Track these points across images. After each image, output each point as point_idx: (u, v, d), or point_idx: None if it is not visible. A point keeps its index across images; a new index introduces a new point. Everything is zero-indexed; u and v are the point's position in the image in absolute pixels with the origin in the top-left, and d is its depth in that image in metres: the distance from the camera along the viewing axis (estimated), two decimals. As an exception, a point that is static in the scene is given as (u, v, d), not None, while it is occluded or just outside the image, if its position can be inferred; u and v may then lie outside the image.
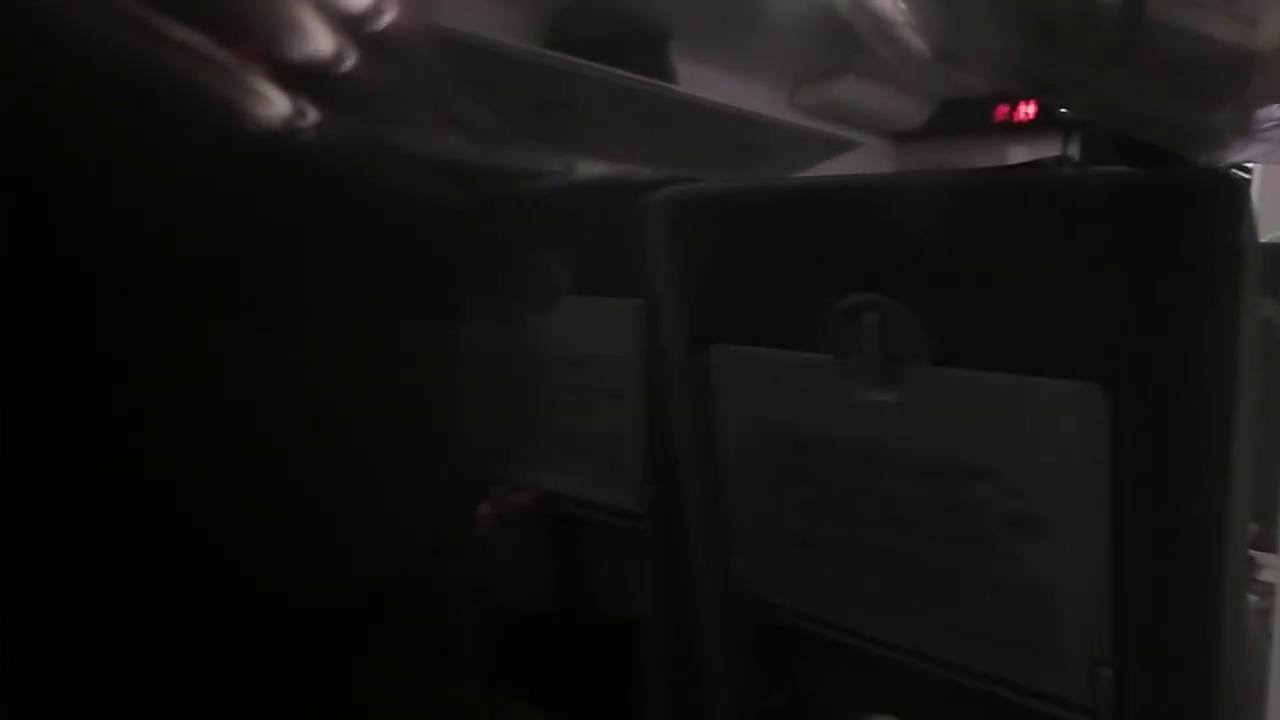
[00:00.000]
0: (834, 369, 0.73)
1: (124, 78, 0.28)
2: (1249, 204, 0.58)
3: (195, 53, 0.30)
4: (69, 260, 0.27)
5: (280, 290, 0.32)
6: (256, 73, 0.31)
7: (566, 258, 0.97)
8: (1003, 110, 2.88)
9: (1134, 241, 0.59)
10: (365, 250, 0.36)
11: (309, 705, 0.35)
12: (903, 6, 0.60)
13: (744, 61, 2.42)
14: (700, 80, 2.25)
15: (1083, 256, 0.61)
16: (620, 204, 0.85)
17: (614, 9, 2.07)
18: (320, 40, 0.34)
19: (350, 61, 0.35)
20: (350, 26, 0.36)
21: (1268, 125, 0.56)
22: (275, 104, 0.32)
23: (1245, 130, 0.55)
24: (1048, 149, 2.68)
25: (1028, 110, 2.83)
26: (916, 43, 0.61)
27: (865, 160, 2.78)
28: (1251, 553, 0.69)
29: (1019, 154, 2.72)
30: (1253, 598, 0.74)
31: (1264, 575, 0.81)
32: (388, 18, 0.37)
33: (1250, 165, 1.04)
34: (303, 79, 0.33)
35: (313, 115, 0.32)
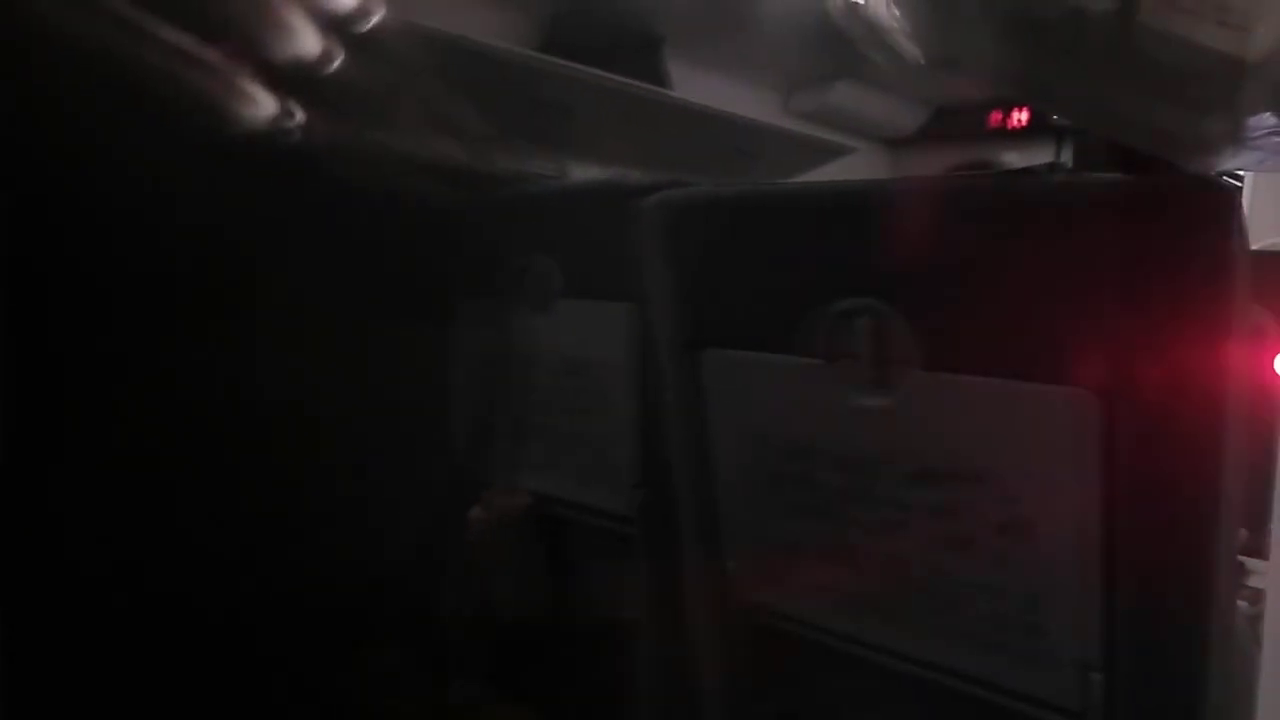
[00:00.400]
0: (827, 374, 0.73)
1: (120, 80, 0.28)
2: (1240, 211, 0.58)
3: (187, 54, 0.30)
4: (67, 260, 0.27)
5: (272, 290, 0.32)
6: (245, 73, 0.31)
7: (560, 261, 0.97)
8: (996, 117, 2.88)
9: (1125, 248, 0.59)
10: (356, 251, 0.36)
11: (300, 702, 0.35)
12: (897, 13, 0.60)
13: (738, 66, 2.42)
14: (695, 85, 2.25)
15: (1074, 263, 0.61)
16: (614, 208, 0.85)
17: (608, 13, 2.07)
18: (308, 41, 0.34)
19: (338, 62, 0.35)
20: (338, 27, 0.36)
21: (1258, 133, 0.56)
22: (264, 104, 0.32)
23: (1236, 138, 0.56)
24: (1041, 155, 2.69)
25: (1021, 117, 2.83)
26: (910, 49, 0.61)
27: (859, 166, 2.78)
28: (1240, 558, 0.69)
29: (1012, 160, 2.72)
30: (1241, 603, 0.74)
31: (1253, 581, 0.81)
32: (375, 19, 0.37)
33: (1241, 173, 1.04)
34: (291, 79, 0.33)
35: (301, 116, 0.32)
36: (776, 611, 0.83)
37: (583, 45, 1.93)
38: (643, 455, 0.94)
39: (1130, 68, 0.54)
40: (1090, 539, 0.62)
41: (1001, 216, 0.65)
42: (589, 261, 0.95)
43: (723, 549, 0.85)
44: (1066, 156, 2.66)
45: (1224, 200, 0.58)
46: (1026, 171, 0.67)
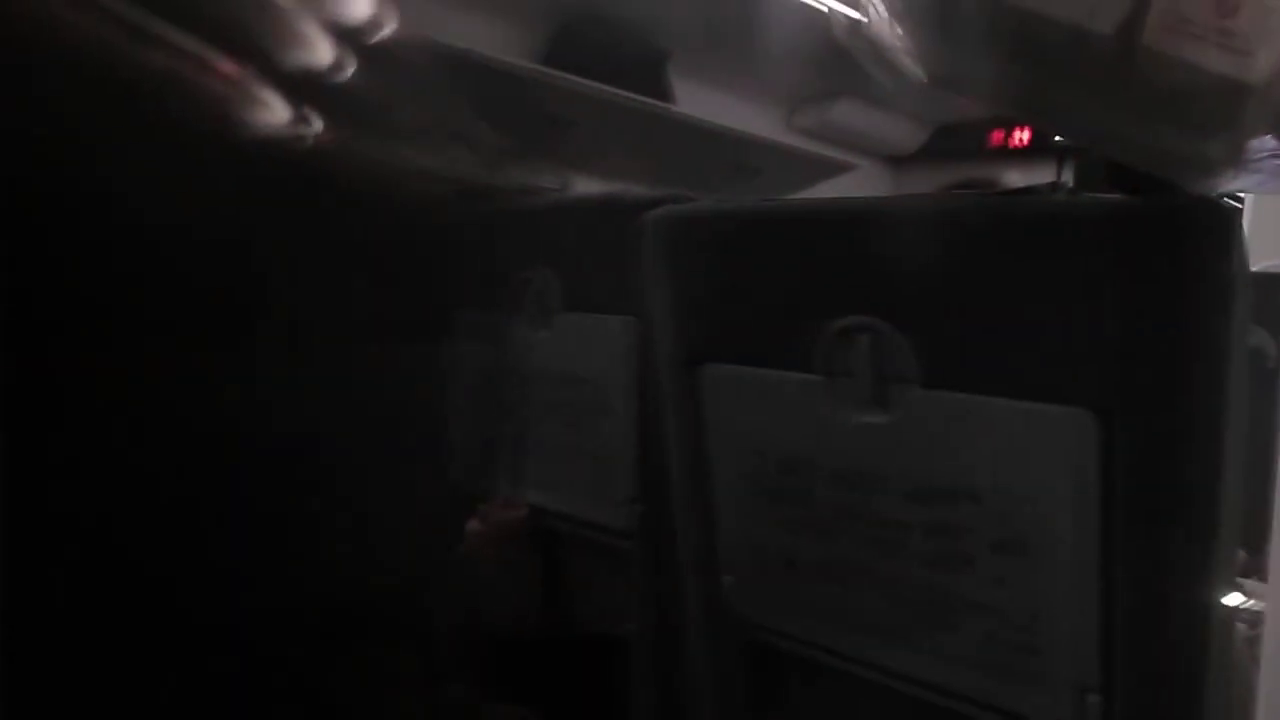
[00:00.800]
0: (825, 390, 0.73)
1: (124, 85, 0.29)
2: (1240, 233, 0.58)
3: (194, 60, 0.30)
4: (67, 267, 0.27)
5: (277, 300, 0.32)
6: (255, 80, 0.31)
7: (561, 274, 0.97)
8: (998, 136, 2.89)
9: (1126, 268, 0.59)
10: (362, 263, 0.36)
11: (296, 709, 0.35)
12: (899, 32, 0.61)
13: (742, 83, 2.42)
14: (698, 100, 2.25)
15: (1075, 282, 0.61)
16: (615, 222, 0.85)
17: (613, 28, 2.08)
18: (319, 49, 0.34)
19: (348, 72, 0.35)
20: (349, 37, 0.36)
21: (1260, 155, 0.56)
22: (274, 112, 0.32)
23: (1237, 160, 0.56)
24: (1042, 175, 2.69)
25: (1022, 136, 2.84)
26: (913, 68, 0.62)
27: (861, 183, 2.79)
28: (1239, 580, 0.69)
29: (1013, 179, 2.73)
30: (1240, 625, 0.74)
31: (1251, 603, 0.81)
32: (386, 30, 0.38)
33: (1242, 195, 1.04)
34: (300, 87, 0.33)
35: (309, 125, 0.33)
36: (772, 627, 0.83)
37: (587, 60, 1.94)
38: (640, 470, 0.94)
39: (1132, 89, 0.54)
40: (1088, 559, 0.62)
41: (1002, 235, 0.65)
42: (589, 275, 0.95)
43: (719, 564, 0.85)
44: (1068, 176, 2.66)
45: (1224, 221, 0.58)
46: (1028, 191, 0.67)
